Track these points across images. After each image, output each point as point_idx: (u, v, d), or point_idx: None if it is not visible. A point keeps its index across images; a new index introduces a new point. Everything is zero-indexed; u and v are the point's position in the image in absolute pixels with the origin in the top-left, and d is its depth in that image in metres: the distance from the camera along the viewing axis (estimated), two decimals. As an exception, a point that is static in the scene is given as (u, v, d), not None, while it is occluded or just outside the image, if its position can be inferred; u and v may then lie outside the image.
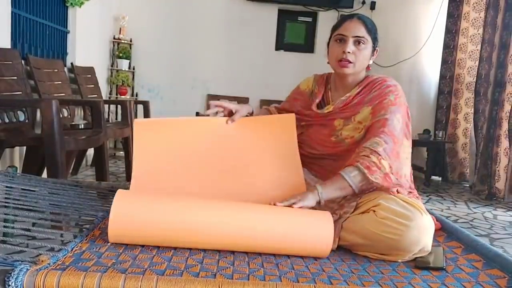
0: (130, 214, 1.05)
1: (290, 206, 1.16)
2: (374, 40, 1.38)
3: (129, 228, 1.05)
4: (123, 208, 1.05)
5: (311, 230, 1.11)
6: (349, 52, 1.33)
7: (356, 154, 1.27)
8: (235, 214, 1.10)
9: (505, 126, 3.57)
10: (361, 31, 1.34)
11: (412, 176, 1.40)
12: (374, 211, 1.18)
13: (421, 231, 1.10)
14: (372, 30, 1.36)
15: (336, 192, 1.23)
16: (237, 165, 1.37)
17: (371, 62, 1.40)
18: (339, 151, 1.39)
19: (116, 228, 1.04)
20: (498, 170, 3.61)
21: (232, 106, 1.39)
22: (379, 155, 1.22)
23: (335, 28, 1.39)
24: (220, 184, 1.33)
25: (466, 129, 4.38)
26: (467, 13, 4.29)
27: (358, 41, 1.34)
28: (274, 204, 1.16)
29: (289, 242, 1.09)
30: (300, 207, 1.16)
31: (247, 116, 1.44)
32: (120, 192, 1.08)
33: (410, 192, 1.31)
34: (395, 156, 1.25)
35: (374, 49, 1.39)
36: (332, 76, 1.48)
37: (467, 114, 4.35)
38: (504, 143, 3.59)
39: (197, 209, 1.10)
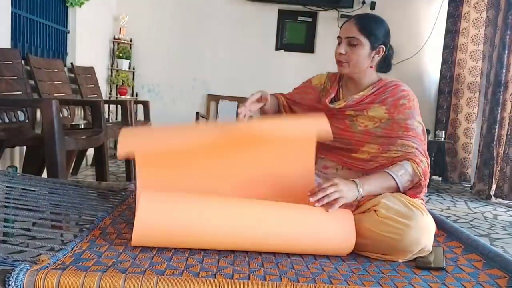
0: (157, 217, 1.02)
1: (321, 196, 1.12)
2: (373, 38, 1.36)
3: (157, 230, 1.02)
4: (150, 210, 1.02)
5: (333, 228, 1.12)
6: (341, 53, 1.37)
7: (392, 154, 1.30)
8: (263, 214, 1.10)
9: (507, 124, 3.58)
10: (351, 32, 1.35)
11: None
12: (375, 210, 1.18)
13: (421, 231, 1.10)
14: (368, 28, 1.35)
15: (378, 189, 1.22)
16: (242, 157, 1.26)
17: (374, 61, 1.39)
18: (351, 137, 1.39)
19: (143, 231, 1.01)
20: (499, 170, 3.61)
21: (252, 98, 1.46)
22: (415, 154, 1.28)
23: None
24: (226, 178, 1.25)
25: (467, 129, 4.37)
26: (467, 13, 4.29)
27: (349, 42, 1.35)
28: (309, 200, 1.13)
29: (311, 240, 1.10)
30: (334, 199, 1.13)
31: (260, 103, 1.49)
32: (145, 194, 1.04)
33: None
34: (426, 155, 1.32)
35: (374, 48, 1.37)
36: (344, 75, 1.48)
37: (468, 114, 4.35)
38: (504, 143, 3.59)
39: (224, 209, 1.09)
